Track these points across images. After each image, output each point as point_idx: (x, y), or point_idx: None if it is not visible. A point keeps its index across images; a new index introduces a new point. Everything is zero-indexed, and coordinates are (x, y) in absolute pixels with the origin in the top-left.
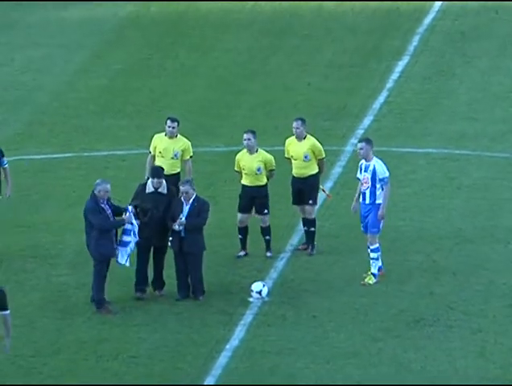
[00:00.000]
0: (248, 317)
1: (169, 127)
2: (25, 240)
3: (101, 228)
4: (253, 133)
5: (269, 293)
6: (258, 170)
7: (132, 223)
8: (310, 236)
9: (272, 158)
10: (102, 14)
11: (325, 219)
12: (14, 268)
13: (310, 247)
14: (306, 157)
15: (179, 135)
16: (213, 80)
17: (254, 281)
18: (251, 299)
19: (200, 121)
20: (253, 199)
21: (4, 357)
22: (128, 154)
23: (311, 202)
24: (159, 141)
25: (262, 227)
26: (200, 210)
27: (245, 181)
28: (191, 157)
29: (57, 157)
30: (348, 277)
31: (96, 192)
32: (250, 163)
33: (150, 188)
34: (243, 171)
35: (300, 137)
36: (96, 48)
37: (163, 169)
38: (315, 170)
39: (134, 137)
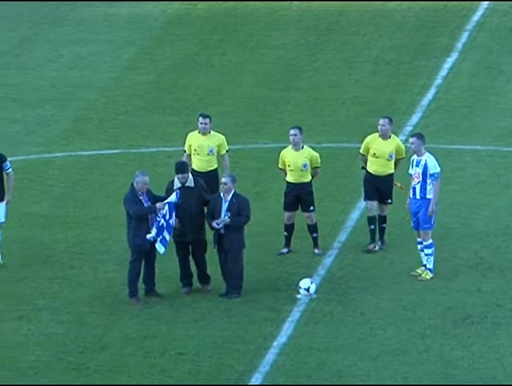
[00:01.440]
0: (295, 314)
1: (201, 124)
2: (73, 237)
3: (136, 215)
4: (299, 129)
5: (316, 290)
6: (304, 166)
7: (164, 217)
8: (382, 232)
9: (318, 155)
10: (150, 11)
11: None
12: (61, 264)
13: (381, 242)
14: (391, 156)
15: (212, 131)
16: (261, 77)
17: (302, 278)
18: (299, 296)
19: (248, 118)
20: (298, 196)
21: (52, 353)
22: (175, 151)
23: (390, 201)
24: (193, 139)
25: (308, 225)
26: (239, 207)
27: (289, 178)
28: (227, 151)
29: (105, 153)
30: (396, 274)
31: (134, 184)
32: (296, 159)
33: (177, 184)
34: (288, 168)
35: (386, 136)
36: (144, 45)
37: (186, 164)
38: (393, 169)
39: (181, 133)
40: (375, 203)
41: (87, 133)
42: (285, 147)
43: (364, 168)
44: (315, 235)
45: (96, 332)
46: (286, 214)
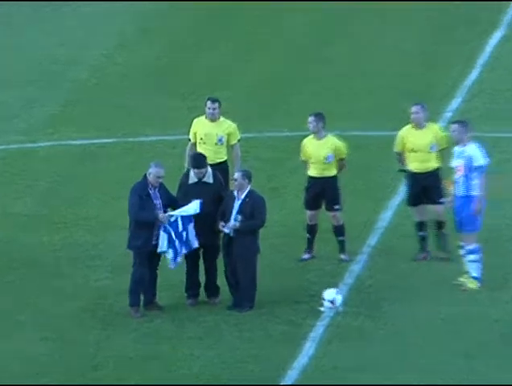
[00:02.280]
0: (319, 329)
1: (209, 109)
2: (60, 239)
3: (132, 217)
4: (317, 115)
5: (343, 302)
6: (327, 158)
7: (174, 230)
8: (441, 239)
9: (343, 144)
10: None
11: (405, 217)
12: (47, 271)
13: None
14: (432, 148)
15: (222, 117)
16: (278, 55)
17: (326, 288)
18: (322, 309)
19: (263, 103)
20: (322, 192)
21: (34, 375)
22: (179, 140)
23: (443, 200)
24: (200, 126)
25: (334, 226)
26: (253, 207)
27: (311, 171)
28: (238, 141)
29: (97, 142)
30: (435, 283)
31: (147, 175)
32: (317, 150)
33: (192, 178)
34: (309, 160)
35: (420, 125)
36: (143, 17)
37: (204, 156)
38: (438, 162)
39: (186, 119)
40: (423, 208)
41: (76, 118)
42: (307, 136)
43: (402, 170)
44: (341, 238)
45: (86, 351)
46: (308, 213)
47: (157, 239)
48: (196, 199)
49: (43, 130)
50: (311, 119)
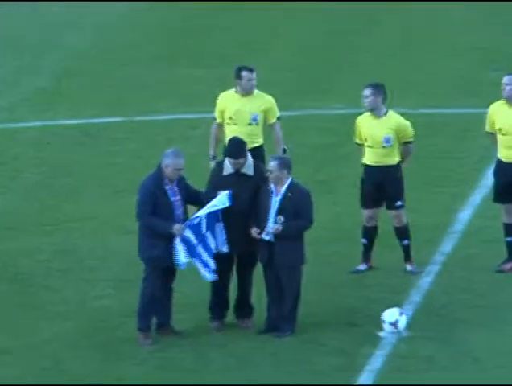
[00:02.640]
0: (377, 359)
1: (249, 80)
2: (51, 245)
3: (138, 217)
4: (375, 87)
5: (408, 325)
6: (387, 141)
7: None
8: None
9: (409, 124)
10: None
11: (490, 218)
12: (34, 284)
13: None
14: None
15: (256, 91)
16: (327, 14)
17: (387, 308)
18: (382, 334)
19: (308, 72)
20: (381, 185)
21: None
22: (201, 119)
23: None
24: (229, 102)
25: (395, 228)
26: (297, 204)
27: (367, 158)
28: (278, 119)
29: (98, 122)
30: None
31: (163, 167)
32: (374, 131)
33: (228, 169)
34: (366, 143)
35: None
36: None
37: (244, 143)
38: None
39: (210, 94)
40: (506, 206)
41: (73, 94)
42: (362, 113)
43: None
44: (406, 242)
45: (83, 384)
46: (365, 212)
47: None
48: (234, 193)
49: (29, 107)
50: (367, 92)
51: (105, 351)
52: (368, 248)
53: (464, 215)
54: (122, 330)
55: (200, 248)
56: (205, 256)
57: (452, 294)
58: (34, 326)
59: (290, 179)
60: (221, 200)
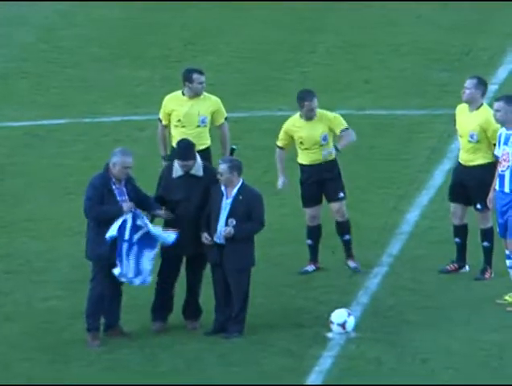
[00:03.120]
0: (325, 361)
1: (200, 83)
2: None
3: (91, 216)
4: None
5: (356, 327)
6: (324, 138)
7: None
8: (486, 252)
9: (337, 115)
10: None
11: (436, 219)
12: None
13: (486, 268)
14: (472, 136)
15: (203, 92)
16: (276, 12)
17: (335, 309)
18: (330, 335)
19: (256, 73)
20: (321, 182)
21: None
22: (149, 121)
23: (479, 206)
24: (176, 105)
25: (337, 223)
26: (249, 207)
27: (304, 159)
28: (225, 120)
29: (46, 124)
30: (474, 303)
31: (110, 166)
32: (310, 133)
33: (177, 171)
34: (301, 146)
35: (473, 105)
36: None
37: (193, 144)
38: (487, 157)
39: (157, 94)
40: (460, 207)
41: (19, 94)
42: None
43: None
44: (347, 237)
45: None
46: (308, 211)
47: None
48: (183, 194)
49: None
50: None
51: (53, 353)
52: (314, 249)
53: (411, 216)
54: (70, 331)
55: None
56: (128, 265)
57: (399, 295)
58: None
59: (241, 181)
60: (168, 235)
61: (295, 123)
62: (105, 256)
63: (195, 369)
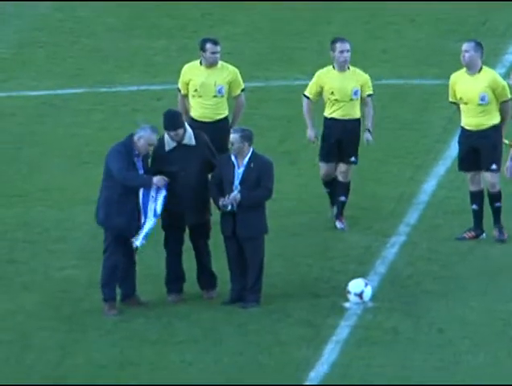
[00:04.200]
0: (343, 330)
1: (213, 53)
2: (14, 217)
3: (123, 180)
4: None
5: (373, 296)
6: (355, 93)
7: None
8: (495, 214)
9: (369, 78)
10: None
11: (453, 189)
12: None
13: (497, 229)
14: (483, 98)
15: (220, 62)
16: None
17: (352, 279)
18: (347, 305)
19: (273, 42)
20: (341, 141)
21: None
22: (166, 90)
23: (494, 167)
24: (193, 74)
25: (339, 182)
26: (259, 175)
27: (331, 112)
28: (242, 91)
29: (61, 94)
30: (492, 273)
31: (135, 139)
32: (342, 84)
33: (170, 144)
34: (331, 97)
35: (473, 69)
36: None
37: (178, 115)
38: (495, 119)
39: (174, 64)
40: (475, 173)
41: (35, 63)
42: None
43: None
44: (343, 198)
45: (48, 357)
46: (323, 166)
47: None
48: (180, 166)
49: None
50: (347, 46)
51: (71, 322)
52: (333, 194)
53: (428, 186)
54: (87, 301)
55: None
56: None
57: (416, 265)
58: None
59: (251, 150)
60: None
61: (327, 73)
62: (121, 227)
63: (211, 338)
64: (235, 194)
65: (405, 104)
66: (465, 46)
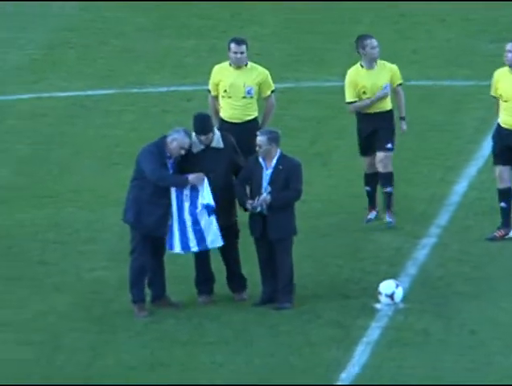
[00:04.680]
0: (373, 332)
1: (235, 53)
2: (45, 218)
3: (155, 179)
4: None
5: (404, 298)
6: (385, 88)
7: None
8: None
9: (397, 68)
10: None
11: (485, 190)
12: (28, 257)
13: None
14: None
15: (250, 63)
16: None
17: (383, 280)
18: (378, 306)
19: (303, 43)
20: (375, 131)
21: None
22: (196, 91)
23: None
24: (223, 75)
25: (380, 174)
26: (287, 177)
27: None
28: (272, 92)
29: (92, 94)
30: None
31: (168, 141)
32: (373, 80)
33: (197, 146)
34: (363, 96)
35: None
36: None
37: (208, 119)
38: None
39: (205, 64)
40: (507, 170)
41: (65, 64)
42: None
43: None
44: (389, 189)
45: (78, 358)
46: (365, 159)
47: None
48: (208, 168)
49: (20, 78)
50: (374, 42)
51: (101, 324)
52: (372, 195)
53: (460, 187)
54: (118, 302)
55: (187, 216)
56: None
57: (447, 266)
58: (28, 300)
59: (279, 152)
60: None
61: (357, 72)
62: (151, 227)
63: (242, 340)
64: (265, 196)
65: (434, 106)
66: (509, 46)
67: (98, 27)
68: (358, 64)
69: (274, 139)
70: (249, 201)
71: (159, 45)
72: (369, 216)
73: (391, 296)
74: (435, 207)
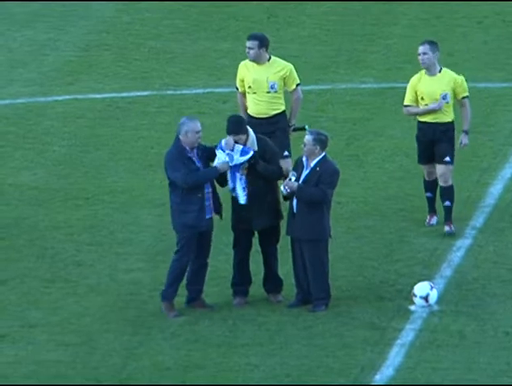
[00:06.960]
0: (408, 334)
1: (246, 48)
2: (80, 219)
3: (188, 186)
4: (431, 44)
5: (439, 299)
6: (444, 97)
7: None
8: None
9: (463, 79)
10: None
11: None
12: (63, 259)
13: None
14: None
15: (273, 57)
16: None
17: (418, 282)
18: (413, 307)
19: (339, 45)
20: (435, 142)
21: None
22: (232, 93)
23: None
24: (247, 71)
25: (440, 187)
26: (321, 178)
27: (423, 116)
28: (298, 85)
29: (127, 96)
30: None
31: (181, 136)
32: (432, 88)
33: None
34: (421, 102)
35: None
36: None
37: (242, 118)
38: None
39: (238, 67)
40: None
41: (101, 66)
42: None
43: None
44: (447, 203)
45: (113, 360)
46: (424, 167)
47: (211, 212)
48: (242, 172)
49: (57, 80)
50: (425, 49)
51: (136, 325)
52: (432, 201)
53: (495, 189)
54: (153, 303)
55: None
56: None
57: (482, 268)
58: (64, 301)
59: (323, 155)
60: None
61: (420, 77)
62: (189, 224)
63: (277, 341)
64: (292, 182)
65: (471, 108)
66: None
67: (135, 29)
68: (424, 70)
69: (319, 141)
70: (282, 185)
71: (195, 47)
72: (430, 222)
73: (426, 298)
74: (471, 209)
